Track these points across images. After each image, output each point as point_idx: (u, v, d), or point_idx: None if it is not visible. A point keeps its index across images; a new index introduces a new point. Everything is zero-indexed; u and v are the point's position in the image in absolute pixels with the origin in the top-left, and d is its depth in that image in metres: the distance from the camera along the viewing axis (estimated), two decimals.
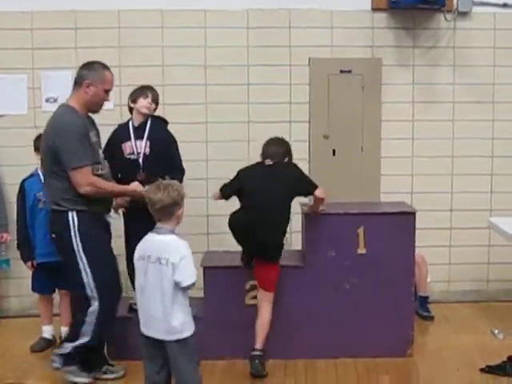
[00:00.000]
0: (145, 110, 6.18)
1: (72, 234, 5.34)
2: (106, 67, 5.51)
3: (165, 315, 4.62)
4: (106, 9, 7.10)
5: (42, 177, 6.19)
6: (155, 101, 6.23)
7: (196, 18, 7.21)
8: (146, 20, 7.18)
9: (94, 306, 5.42)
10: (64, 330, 6.36)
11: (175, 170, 6.18)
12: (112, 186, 5.59)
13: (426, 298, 7.14)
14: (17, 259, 6.56)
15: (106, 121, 6.03)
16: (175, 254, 4.60)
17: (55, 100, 7.04)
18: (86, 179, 5.30)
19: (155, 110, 6.30)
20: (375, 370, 5.89)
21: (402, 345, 6.09)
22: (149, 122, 6.20)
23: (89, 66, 5.48)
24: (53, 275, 6.28)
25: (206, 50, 7.25)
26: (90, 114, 5.60)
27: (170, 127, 6.38)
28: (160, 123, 6.32)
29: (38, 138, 6.30)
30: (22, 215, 6.33)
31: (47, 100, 7.13)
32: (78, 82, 5.45)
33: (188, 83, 7.22)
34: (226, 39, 7.18)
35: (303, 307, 6.04)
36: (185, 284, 4.60)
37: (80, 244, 5.35)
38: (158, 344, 4.70)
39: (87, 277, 5.38)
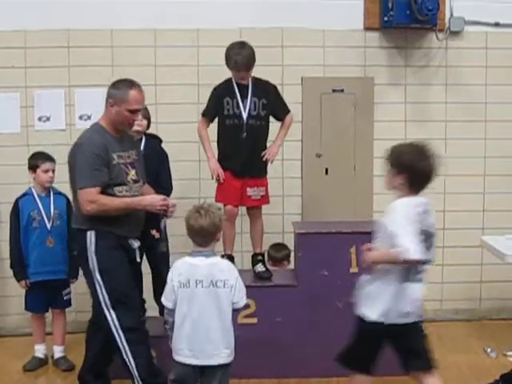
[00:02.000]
0: (136, 127, 6.20)
1: (88, 254, 5.11)
2: (133, 85, 5.20)
3: (227, 339, 4.58)
4: (99, 28, 7.11)
5: (35, 195, 6.22)
6: (145, 117, 6.24)
7: (189, 37, 7.24)
8: (139, 39, 7.20)
9: (112, 318, 5.11)
10: (56, 349, 6.35)
11: (160, 186, 6.20)
12: (121, 201, 5.14)
13: None
14: (10, 278, 6.53)
15: None
16: (231, 275, 4.60)
17: (48, 119, 7.08)
18: (87, 198, 5.02)
19: (148, 127, 6.34)
20: None
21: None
22: (143, 141, 6.22)
23: (115, 84, 5.22)
24: (46, 294, 6.29)
25: (199, 68, 7.28)
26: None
27: (162, 145, 6.41)
28: (154, 141, 6.37)
29: (32, 157, 6.33)
30: (16, 234, 6.29)
31: (40, 119, 7.13)
32: (106, 100, 5.25)
33: (181, 102, 7.24)
34: (218, 58, 7.13)
35: (296, 326, 6.03)
36: (242, 304, 4.64)
37: (96, 265, 5.11)
38: (197, 372, 4.60)
39: (103, 297, 5.12)
